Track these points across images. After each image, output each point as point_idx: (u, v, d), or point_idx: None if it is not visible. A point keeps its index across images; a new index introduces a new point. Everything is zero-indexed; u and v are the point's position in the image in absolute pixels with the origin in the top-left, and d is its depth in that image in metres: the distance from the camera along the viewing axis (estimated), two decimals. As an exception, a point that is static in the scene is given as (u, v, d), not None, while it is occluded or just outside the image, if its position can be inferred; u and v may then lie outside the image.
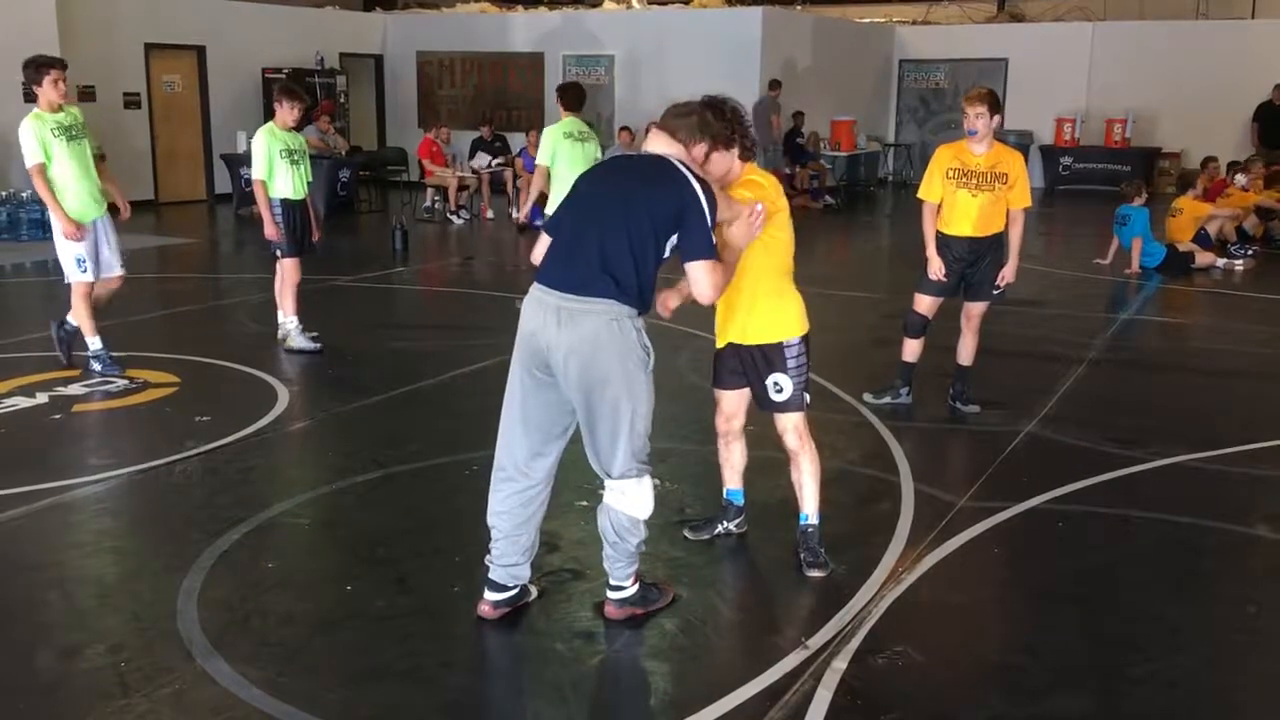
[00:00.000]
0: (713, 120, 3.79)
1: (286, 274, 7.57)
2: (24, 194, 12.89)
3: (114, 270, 6.97)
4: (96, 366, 6.82)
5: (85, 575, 4.20)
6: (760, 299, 4.10)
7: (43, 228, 12.66)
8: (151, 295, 9.73)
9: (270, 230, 7.47)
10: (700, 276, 3.57)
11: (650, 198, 3.52)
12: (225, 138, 16.22)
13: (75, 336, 6.94)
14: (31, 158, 6.54)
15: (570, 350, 3.49)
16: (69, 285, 6.82)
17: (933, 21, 21.96)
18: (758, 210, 3.80)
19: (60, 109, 6.68)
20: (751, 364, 4.20)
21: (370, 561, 4.33)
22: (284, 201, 7.51)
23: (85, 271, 6.75)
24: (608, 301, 3.47)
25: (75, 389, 6.53)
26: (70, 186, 6.65)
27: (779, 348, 4.14)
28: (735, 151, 3.93)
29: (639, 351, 3.54)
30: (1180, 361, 7.91)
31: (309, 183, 7.73)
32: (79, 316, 6.80)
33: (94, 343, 6.83)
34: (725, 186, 3.94)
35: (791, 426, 4.23)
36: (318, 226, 7.91)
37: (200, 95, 16.70)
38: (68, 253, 6.71)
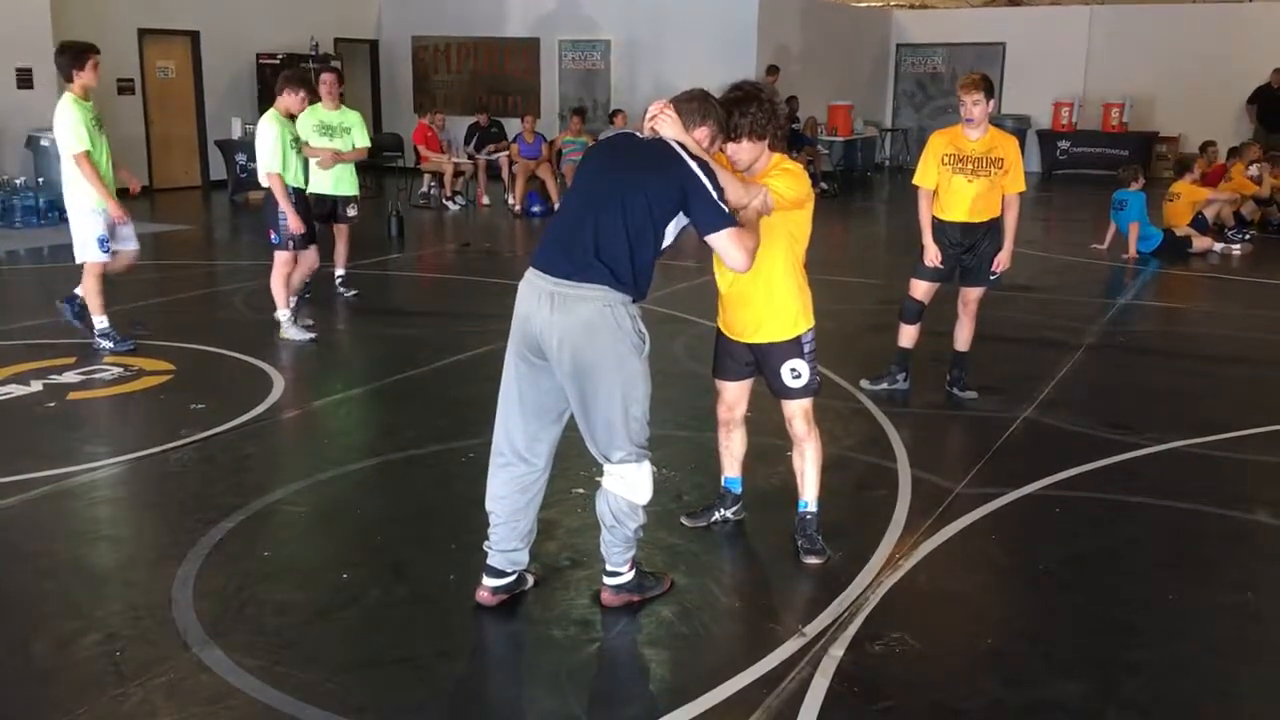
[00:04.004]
0: (715, 105, 3.75)
1: (282, 263, 7.51)
2: (18, 180, 12.84)
3: (131, 244, 7.24)
4: (106, 344, 7.00)
5: (80, 564, 4.18)
6: (777, 293, 4.06)
7: (37, 214, 12.65)
8: (147, 282, 9.69)
9: (294, 223, 7.38)
10: (725, 246, 3.54)
11: (648, 185, 3.48)
12: (220, 124, 16.17)
13: (85, 310, 7.13)
14: (79, 144, 6.76)
15: (564, 335, 3.47)
16: (82, 265, 7.05)
17: (930, 5, 21.89)
18: (763, 191, 3.76)
19: (88, 97, 6.96)
20: (765, 356, 4.18)
21: (366, 549, 4.32)
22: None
23: (106, 251, 6.99)
24: (602, 288, 3.45)
25: (70, 376, 6.51)
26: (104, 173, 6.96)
27: (796, 339, 4.13)
28: (765, 141, 3.90)
29: (633, 337, 3.52)
30: (1178, 346, 7.90)
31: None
32: (90, 294, 7.02)
33: (101, 321, 7.04)
34: (753, 176, 3.92)
35: (801, 412, 4.21)
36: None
37: (194, 81, 16.61)
38: (91, 233, 6.94)
